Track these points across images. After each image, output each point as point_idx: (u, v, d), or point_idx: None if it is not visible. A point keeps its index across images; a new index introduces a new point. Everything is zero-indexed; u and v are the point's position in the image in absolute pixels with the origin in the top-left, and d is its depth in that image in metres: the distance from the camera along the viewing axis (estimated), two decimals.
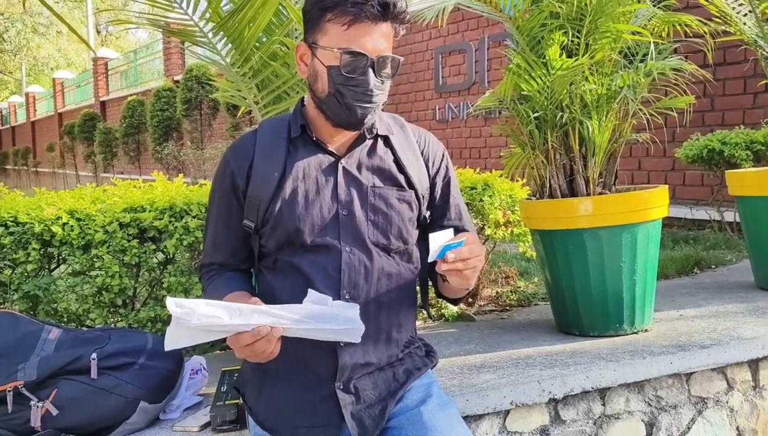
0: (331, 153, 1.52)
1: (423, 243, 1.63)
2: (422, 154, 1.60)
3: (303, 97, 1.58)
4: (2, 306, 2.46)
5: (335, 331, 1.29)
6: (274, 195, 1.47)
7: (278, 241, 1.48)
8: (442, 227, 1.58)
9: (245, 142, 1.55)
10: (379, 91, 1.44)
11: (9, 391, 1.68)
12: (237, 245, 1.56)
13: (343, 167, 1.51)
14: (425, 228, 1.61)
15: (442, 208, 1.62)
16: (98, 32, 30.58)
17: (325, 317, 1.28)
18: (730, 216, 4.79)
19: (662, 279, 3.51)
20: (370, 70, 1.40)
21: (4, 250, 2.40)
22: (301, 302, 1.32)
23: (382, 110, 1.58)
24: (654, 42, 2.47)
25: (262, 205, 1.48)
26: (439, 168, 1.62)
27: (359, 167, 1.52)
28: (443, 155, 1.64)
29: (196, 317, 1.18)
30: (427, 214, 1.60)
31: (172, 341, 1.21)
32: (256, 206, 1.49)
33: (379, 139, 1.56)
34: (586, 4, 2.34)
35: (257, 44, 2.34)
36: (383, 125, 1.57)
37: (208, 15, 2.27)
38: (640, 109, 2.48)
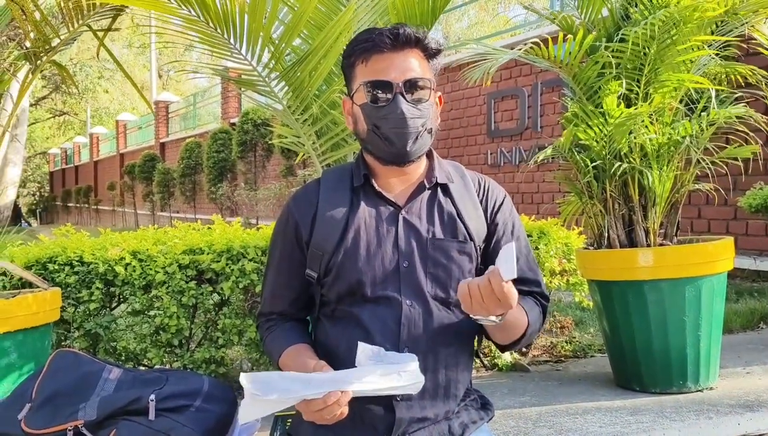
0: (392, 203, 1.51)
1: None
2: (481, 203, 1.56)
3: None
4: (64, 344, 2.53)
5: (399, 388, 1.29)
6: (337, 246, 1.47)
7: (339, 292, 1.48)
8: None
9: (308, 192, 1.56)
10: (414, 116, 1.43)
11: (69, 430, 1.71)
12: (297, 294, 1.56)
13: (404, 218, 1.50)
14: None
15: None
16: (160, 76, 31.87)
17: (388, 375, 1.28)
18: None
19: (726, 333, 3.36)
20: (399, 96, 1.42)
21: (69, 288, 2.48)
22: (355, 354, 1.32)
23: (442, 156, 1.58)
24: (715, 89, 2.43)
25: (325, 255, 1.48)
26: (499, 213, 1.56)
27: (420, 217, 1.51)
28: (503, 202, 1.58)
29: (272, 392, 1.21)
30: (482, 266, 1.54)
31: (247, 414, 1.23)
32: (320, 257, 1.48)
33: (438, 188, 1.54)
34: (644, 54, 2.32)
35: (317, 93, 2.39)
36: (443, 174, 1.55)
37: (271, 65, 2.34)
38: (702, 160, 2.42)
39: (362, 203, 1.51)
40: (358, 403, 1.39)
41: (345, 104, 1.55)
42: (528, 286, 1.59)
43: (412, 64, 1.44)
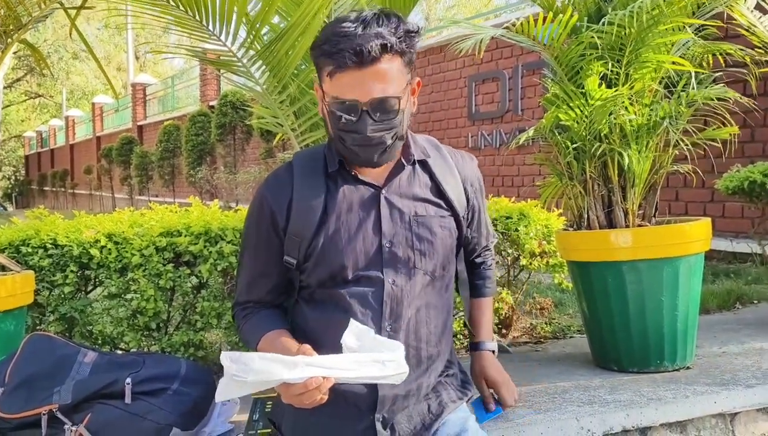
0: (370, 185, 1.49)
1: (461, 264, 1.68)
2: (460, 173, 1.58)
3: None
4: (39, 328, 2.49)
5: (382, 378, 1.28)
6: (317, 232, 1.45)
7: (320, 277, 1.46)
8: (472, 248, 1.69)
9: (281, 178, 1.52)
10: (380, 133, 1.38)
11: (44, 414, 1.69)
12: (275, 282, 1.53)
13: (385, 198, 1.49)
14: (465, 247, 1.67)
15: (475, 223, 1.66)
16: (137, 58, 31.40)
17: (372, 364, 1.27)
18: None
19: (703, 314, 3.41)
20: (366, 116, 1.35)
21: (43, 272, 2.43)
22: (338, 334, 1.31)
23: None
24: (695, 71, 2.43)
25: (303, 242, 1.45)
26: (476, 188, 1.63)
27: (400, 196, 1.50)
28: (478, 176, 1.65)
29: (252, 374, 1.18)
30: (469, 232, 1.63)
31: (224, 393, 1.21)
32: (298, 243, 1.46)
33: (417, 164, 1.54)
34: (625, 35, 2.32)
35: (295, 72, 2.36)
36: (419, 150, 1.54)
37: (247, 44, 2.29)
38: (681, 140, 2.43)
39: (340, 188, 1.48)
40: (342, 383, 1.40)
41: (317, 91, 1.48)
42: (488, 238, 1.75)
43: (379, 79, 1.35)
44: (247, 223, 1.56)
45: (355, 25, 1.34)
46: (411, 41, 1.39)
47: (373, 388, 1.43)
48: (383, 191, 1.49)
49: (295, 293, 1.54)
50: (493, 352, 1.79)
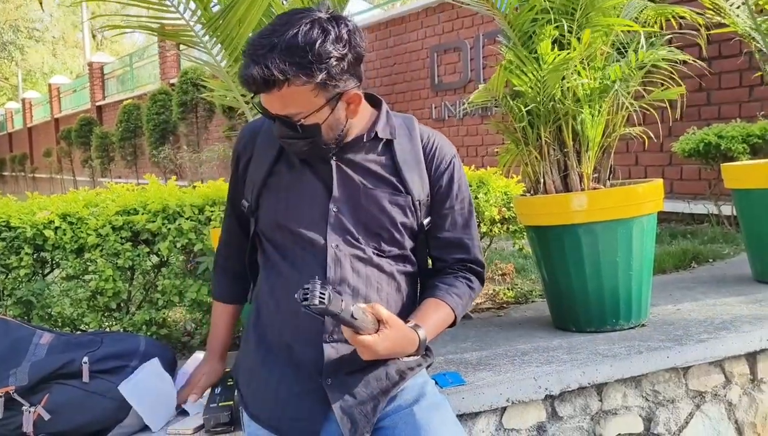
0: (327, 147, 1.48)
1: (425, 251, 1.63)
2: (426, 158, 1.56)
3: None
4: None
5: None
6: (265, 179, 1.50)
7: (270, 226, 1.52)
8: (439, 238, 1.60)
9: (258, 120, 1.61)
10: (293, 137, 1.41)
11: (0, 397, 1.67)
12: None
13: (337, 164, 1.50)
14: (426, 235, 1.61)
15: (441, 218, 1.60)
16: (93, 37, 30.55)
17: None
18: (727, 210, 4.79)
19: (659, 274, 3.49)
20: (276, 122, 1.41)
21: None
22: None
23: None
24: (646, 35, 2.46)
25: (255, 186, 1.52)
26: (443, 173, 1.58)
27: (353, 166, 1.51)
28: (450, 162, 1.59)
29: None
30: (426, 220, 1.58)
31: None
32: (252, 186, 1.53)
33: (380, 141, 1.53)
34: None
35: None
36: (388, 129, 1.54)
37: (197, 15, 2.26)
38: (631, 103, 2.46)
39: None
40: (291, 339, 1.48)
41: None
42: (462, 251, 1.63)
43: (280, 100, 1.36)
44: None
45: (265, 41, 1.32)
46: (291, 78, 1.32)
47: (319, 350, 1.46)
48: (335, 159, 1.50)
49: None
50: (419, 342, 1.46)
